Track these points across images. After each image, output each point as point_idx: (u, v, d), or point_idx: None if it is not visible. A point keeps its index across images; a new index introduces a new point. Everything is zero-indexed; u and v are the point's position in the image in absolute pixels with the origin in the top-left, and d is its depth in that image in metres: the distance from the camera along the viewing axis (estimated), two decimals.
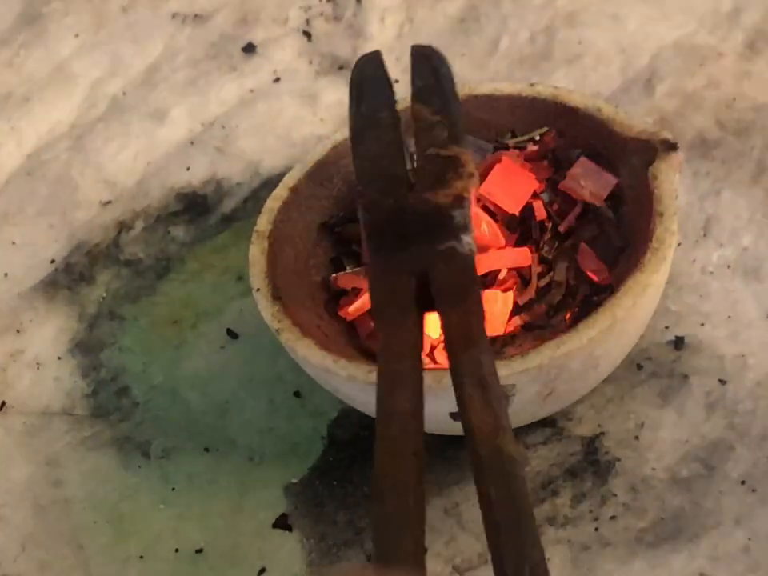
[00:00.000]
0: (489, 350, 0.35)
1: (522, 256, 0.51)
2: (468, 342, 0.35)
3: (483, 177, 0.51)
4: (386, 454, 0.32)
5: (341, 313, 0.51)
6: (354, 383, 0.45)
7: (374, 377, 0.44)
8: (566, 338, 0.44)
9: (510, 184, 0.52)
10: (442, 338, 0.37)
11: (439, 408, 0.39)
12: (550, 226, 0.52)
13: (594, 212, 0.51)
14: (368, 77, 0.45)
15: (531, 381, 0.45)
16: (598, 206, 0.51)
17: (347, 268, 0.53)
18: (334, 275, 0.53)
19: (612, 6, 0.68)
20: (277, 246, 0.51)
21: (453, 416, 0.36)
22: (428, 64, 0.44)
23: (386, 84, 0.44)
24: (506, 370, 0.43)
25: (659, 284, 0.47)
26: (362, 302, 0.51)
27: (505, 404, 0.34)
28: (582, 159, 0.52)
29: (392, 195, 0.40)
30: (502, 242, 0.51)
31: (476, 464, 0.32)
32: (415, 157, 0.42)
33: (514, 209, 0.51)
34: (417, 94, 0.43)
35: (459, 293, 0.36)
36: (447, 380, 0.37)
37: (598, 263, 0.50)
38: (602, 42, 0.67)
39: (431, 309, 0.37)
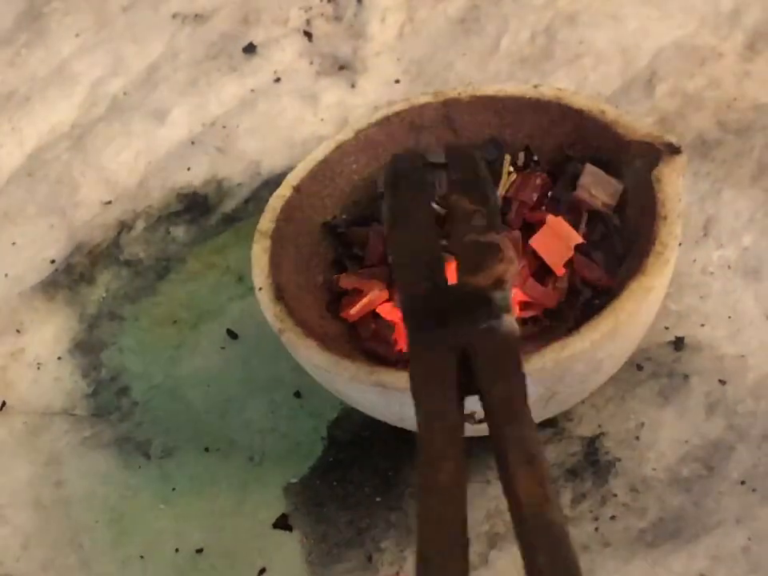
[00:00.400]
0: (533, 425, 0.35)
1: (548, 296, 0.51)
2: (511, 416, 0.35)
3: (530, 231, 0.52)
4: (429, 524, 0.32)
5: (343, 314, 0.51)
6: (356, 384, 0.45)
7: (375, 377, 0.45)
8: (568, 342, 0.44)
9: (555, 242, 0.51)
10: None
11: None
12: None
13: (599, 216, 0.51)
14: (406, 167, 0.45)
15: (534, 384, 0.45)
16: (605, 212, 0.51)
17: (349, 269, 0.53)
18: (336, 276, 0.53)
19: (612, 6, 0.68)
20: (279, 246, 0.51)
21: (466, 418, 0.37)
22: (464, 159, 0.45)
23: (424, 175, 0.45)
24: None
25: (662, 287, 0.47)
26: (364, 304, 0.51)
27: (550, 477, 0.33)
28: (588, 166, 0.52)
29: (430, 279, 0.39)
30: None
31: (522, 535, 0.32)
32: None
33: (559, 269, 0.51)
34: (454, 187, 0.44)
35: (501, 370, 0.36)
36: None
37: (595, 271, 0.50)
38: (602, 42, 0.67)
39: (471, 391, 0.37)
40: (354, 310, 0.51)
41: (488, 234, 0.41)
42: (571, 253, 0.50)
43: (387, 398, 0.45)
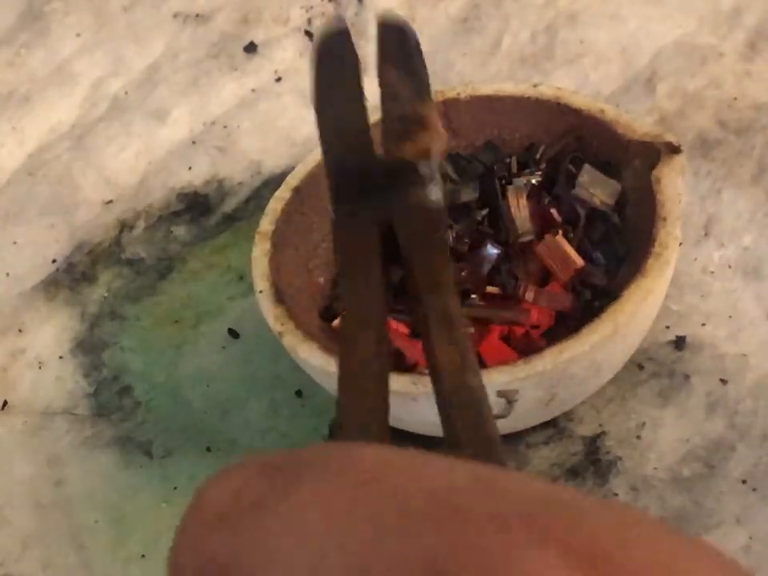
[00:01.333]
0: (454, 293, 0.34)
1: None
2: (433, 286, 0.34)
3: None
4: (349, 391, 0.32)
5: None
6: None
7: None
8: (568, 344, 0.44)
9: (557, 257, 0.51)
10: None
11: (426, 411, 0.39)
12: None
13: (599, 215, 0.51)
14: (333, 46, 0.44)
15: (534, 387, 0.45)
16: (604, 210, 0.51)
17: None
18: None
19: (613, 5, 0.68)
20: (279, 248, 0.51)
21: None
22: (395, 32, 0.44)
23: (351, 51, 0.43)
24: (509, 376, 0.43)
25: (662, 289, 0.47)
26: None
27: (470, 343, 0.33)
28: (587, 166, 0.52)
29: (356, 151, 0.39)
30: None
31: (440, 401, 0.32)
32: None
33: (565, 278, 0.51)
34: (383, 59, 0.42)
35: (425, 239, 0.36)
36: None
37: (595, 273, 0.50)
38: (602, 42, 0.67)
39: (396, 262, 0.37)
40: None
41: (415, 106, 0.40)
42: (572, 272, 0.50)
43: None
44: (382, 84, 0.41)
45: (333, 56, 0.43)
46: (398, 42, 0.43)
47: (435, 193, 0.37)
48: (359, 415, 0.31)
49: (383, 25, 0.44)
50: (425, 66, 0.42)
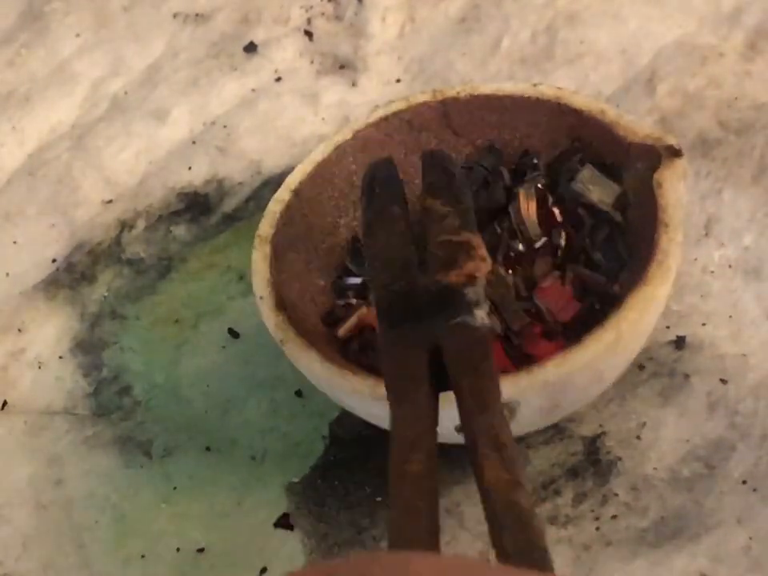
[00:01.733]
0: (502, 415, 0.35)
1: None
2: (481, 407, 0.35)
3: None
4: (401, 513, 0.32)
5: (334, 331, 0.51)
6: (359, 397, 0.45)
7: (379, 391, 0.44)
8: (570, 354, 0.44)
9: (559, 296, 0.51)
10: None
11: (444, 422, 0.39)
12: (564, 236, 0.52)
13: (601, 216, 0.51)
14: (381, 175, 0.46)
15: (536, 396, 0.44)
16: (607, 210, 0.51)
17: (350, 278, 0.53)
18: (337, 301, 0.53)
19: (613, 5, 0.68)
20: (279, 251, 0.51)
21: (457, 429, 0.37)
22: (439, 164, 0.45)
23: (398, 182, 0.45)
24: (512, 387, 0.43)
25: (664, 296, 0.47)
26: (352, 323, 0.51)
27: (521, 463, 0.34)
28: (588, 166, 0.51)
29: (403, 278, 0.40)
30: None
31: (490, 518, 0.32)
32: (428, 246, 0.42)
33: (566, 318, 0.51)
34: (428, 190, 0.44)
35: (472, 362, 0.37)
36: (452, 395, 0.37)
37: (597, 280, 0.50)
38: (602, 42, 0.67)
39: (444, 387, 0.37)
40: (342, 330, 0.51)
41: (460, 234, 0.41)
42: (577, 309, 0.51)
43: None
44: (427, 210, 0.43)
45: (382, 187, 0.45)
46: (441, 169, 0.45)
47: (481, 317, 0.38)
48: (411, 532, 0.32)
49: (428, 154, 0.46)
50: (470, 197, 0.44)
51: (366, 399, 0.45)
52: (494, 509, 0.32)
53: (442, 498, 0.49)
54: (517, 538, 0.31)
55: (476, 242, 0.41)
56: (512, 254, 0.51)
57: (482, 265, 0.40)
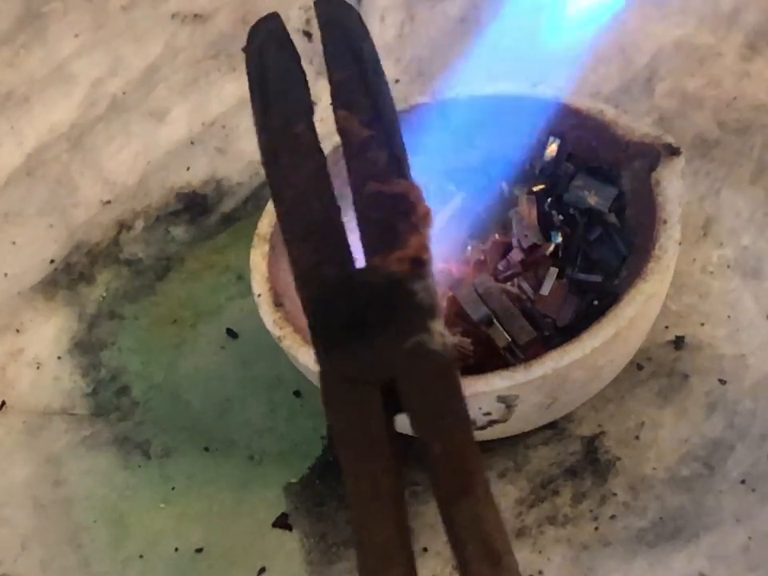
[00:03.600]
0: (489, 498, 0.27)
1: None
2: (462, 486, 0.27)
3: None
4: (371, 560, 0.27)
5: None
6: None
7: None
8: (569, 349, 0.44)
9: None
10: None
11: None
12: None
13: (597, 216, 0.51)
14: (273, 65, 0.35)
15: (534, 391, 0.45)
16: (603, 212, 0.51)
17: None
18: None
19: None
20: (278, 250, 0.51)
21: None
22: (347, 43, 0.35)
23: (297, 72, 0.35)
24: (509, 382, 0.43)
25: (662, 292, 0.47)
26: None
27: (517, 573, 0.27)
28: (581, 174, 0.52)
29: (332, 260, 0.31)
30: None
31: None
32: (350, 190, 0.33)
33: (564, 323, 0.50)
34: (337, 90, 0.34)
35: (439, 413, 0.28)
36: None
37: (591, 280, 0.50)
38: (602, 42, 0.67)
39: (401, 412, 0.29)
40: None
41: (392, 181, 0.31)
42: None
43: None
44: (342, 133, 0.33)
45: (276, 81, 0.35)
46: (351, 59, 0.34)
47: (439, 332, 0.29)
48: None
49: (324, 21, 0.36)
50: (393, 105, 0.33)
51: None
52: None
53: None
54: None
55: (414, 194, 0.31)
56: (517, 260, 0.51)
57: (425, 236, 0.30)
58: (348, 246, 0.31)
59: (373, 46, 0.34)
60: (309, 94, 0.35)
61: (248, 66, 0.35)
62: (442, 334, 0.29)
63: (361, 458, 0.30)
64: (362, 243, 0.31)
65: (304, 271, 0.31)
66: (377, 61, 0.34)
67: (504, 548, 0.27)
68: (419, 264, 0.30)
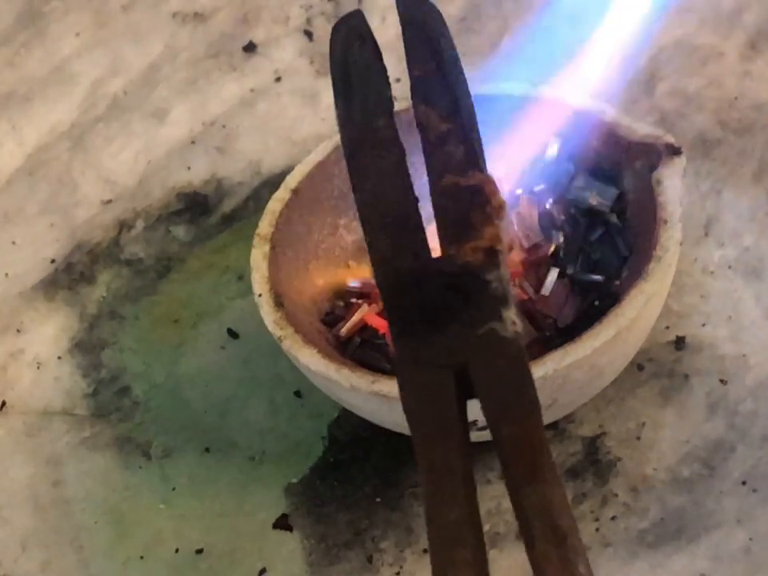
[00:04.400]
0: (556, 482, 0.28)
1: None
2: (530, 471, 0.28)
3: None
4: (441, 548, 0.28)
5: (334, 331, 0.51)
6: (357, 393, 0.45)
7: (377, 386, 0.44)
8: (569, 350, 0.44)
9: None
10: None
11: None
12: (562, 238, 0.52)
13: (598, 216, 0.51)
14: (356, 60, 0.36)
15: None
16: (603, 212, 0.51)
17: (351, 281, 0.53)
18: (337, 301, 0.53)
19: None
20: (279, 250, 0.51)
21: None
22: (426, 39, 0.37)
23: (379, 67, 0.36)
24: None
25: (663, 292, 0.47)
26: (354, 322, 0.51)
27: (585, 557, 0.28)
28: (581, 173, 0.52)
29: (408, 249, 0.32)
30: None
31: None
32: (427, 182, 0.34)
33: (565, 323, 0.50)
34: (417, 87, 0.35)
35: (511, 399, 0.29)
36: None
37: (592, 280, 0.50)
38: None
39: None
40: (345, 330, 0.51)
41: (468, 174, 0.33)
42: None
43: (388, 406, 0.45)
44: (421, 128, 0.35)
45: (360, 75, 0.37)
46: (431, 58, 0.36)
47: (511, 321, 0.30)
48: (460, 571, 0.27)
49: (408, 24, 0.38)
50: (472, 103, 0.35)
51: (365, 395, 0.45)
52: None
53: None
54: None
55: (489, 187, 0.32)
56: (518, 260, 0.51)
57: (500, 228, 0.32)
58: (424, 236, 0.32)
59: (451, 40, 0.37)
60: (390, 89, 0.36)
61: (331, 62, 0.36)
62: (514, 322, 0.31)
63: (434, 439, 0.30)
64: (438, 233, 0.32)
65: (381, 260, 0.33)
66: (455, 56, 0.36)
67: (570, 529, 0.28)
68: (493, 254, 0.31)
